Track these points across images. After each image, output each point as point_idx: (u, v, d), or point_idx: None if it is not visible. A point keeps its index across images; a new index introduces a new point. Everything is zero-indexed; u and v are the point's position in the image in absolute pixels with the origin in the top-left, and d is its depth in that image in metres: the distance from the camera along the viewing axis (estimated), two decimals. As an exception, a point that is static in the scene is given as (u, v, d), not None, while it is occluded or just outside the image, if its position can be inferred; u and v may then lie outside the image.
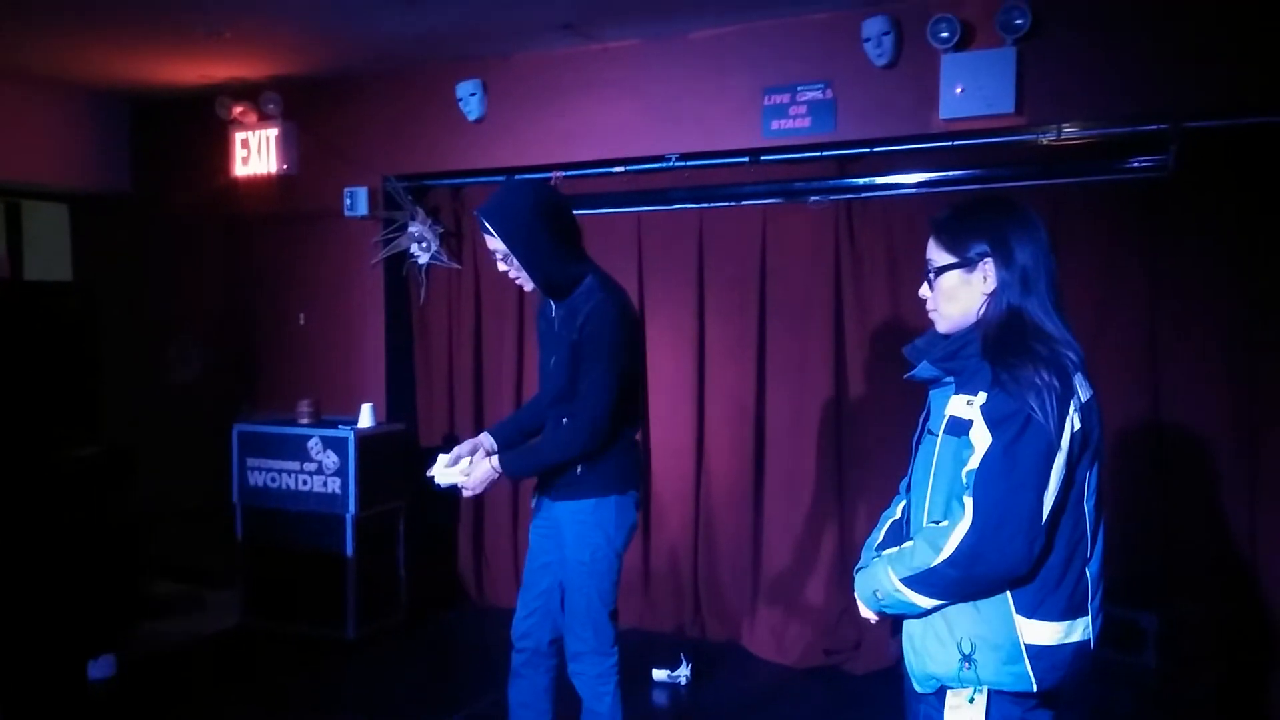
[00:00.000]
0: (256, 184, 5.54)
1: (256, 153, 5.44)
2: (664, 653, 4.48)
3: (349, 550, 4.77)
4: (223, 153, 5.53)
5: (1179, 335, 3.89)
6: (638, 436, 3.05)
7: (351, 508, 4.76)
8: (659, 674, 4.36)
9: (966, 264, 1.92)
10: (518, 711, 3.13)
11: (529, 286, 2.89)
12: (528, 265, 2.82)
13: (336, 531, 4.80)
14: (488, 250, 2.92)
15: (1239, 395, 3.81)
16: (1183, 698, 3.70)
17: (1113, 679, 3.51)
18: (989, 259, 1.90)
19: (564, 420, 2.89)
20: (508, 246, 2.80)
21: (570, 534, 2.92)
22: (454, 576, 5.47)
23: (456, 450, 3.08)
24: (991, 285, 1.90)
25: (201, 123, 5.57)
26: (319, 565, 4.83)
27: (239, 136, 5.48)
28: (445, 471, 2.98)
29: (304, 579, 4.88)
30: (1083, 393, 1.85)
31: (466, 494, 2.99)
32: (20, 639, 4.50)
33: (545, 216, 2.79)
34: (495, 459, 2.95)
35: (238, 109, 5.41)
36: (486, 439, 3.13)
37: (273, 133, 5.40)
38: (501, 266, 2.89)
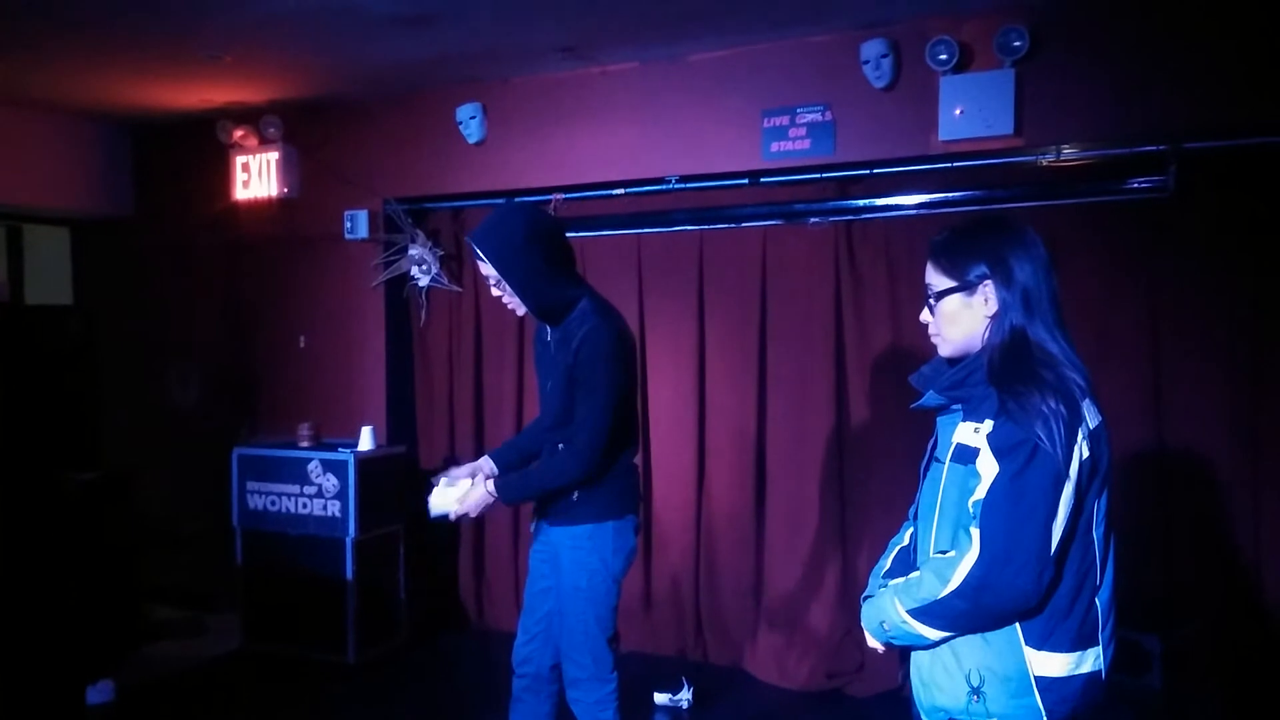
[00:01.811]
0: (257, 207, 5.56)
1: (257, 176, 5.47)
2: (666, 676, 4.45)
3: (349, 573, 4.75)
4: (223, 176, 5.56)
5: (1180, 357, 3.88)
6: (636, 460, 3.03)
7: (352, 531, 4.75)
8: (660, 698, 4.33)
9: (966, 287, 1.90)
10: (519, 737, 3.11)
11: (521, 311, 2.88)
12: (520, 290, 2.81)
13: (337, 555, 4.78)
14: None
15: (1241, 416, 3.80)
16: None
17: (1118, 702, 3.49)
18: (989, 281, 1.88)
19: (559, 447, 2.88)
20: (499, 272, 2.79)
21: (567, 560, 2.90)
22: (455, 600, 5.45)
23: (455, 472, 3.08)
24: (993, 307, 1.88)
25: (202, 146, 5.59)
26: (319, 589, 4.81)
27: (239, 160, 5.50)
28: (437, 500, 2.95)
29: (304, 603, 4.86)
30: (1091, 419, 1.82)
31: (454, 516, 2.95)
32: (19, 663, 4.49)
33: (537, 241, 2.78)
34: (491, 483, 2.92)
35: (238, 133, 5.43)
36: (486, 463, 3.13)
37: (273, 156, 5.42)
38: (495, 292, 2.89)
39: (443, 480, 3.02)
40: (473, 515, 2.96)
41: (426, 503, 2.99)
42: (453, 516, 2.95)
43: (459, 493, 2.95)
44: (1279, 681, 3.71)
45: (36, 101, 5.36)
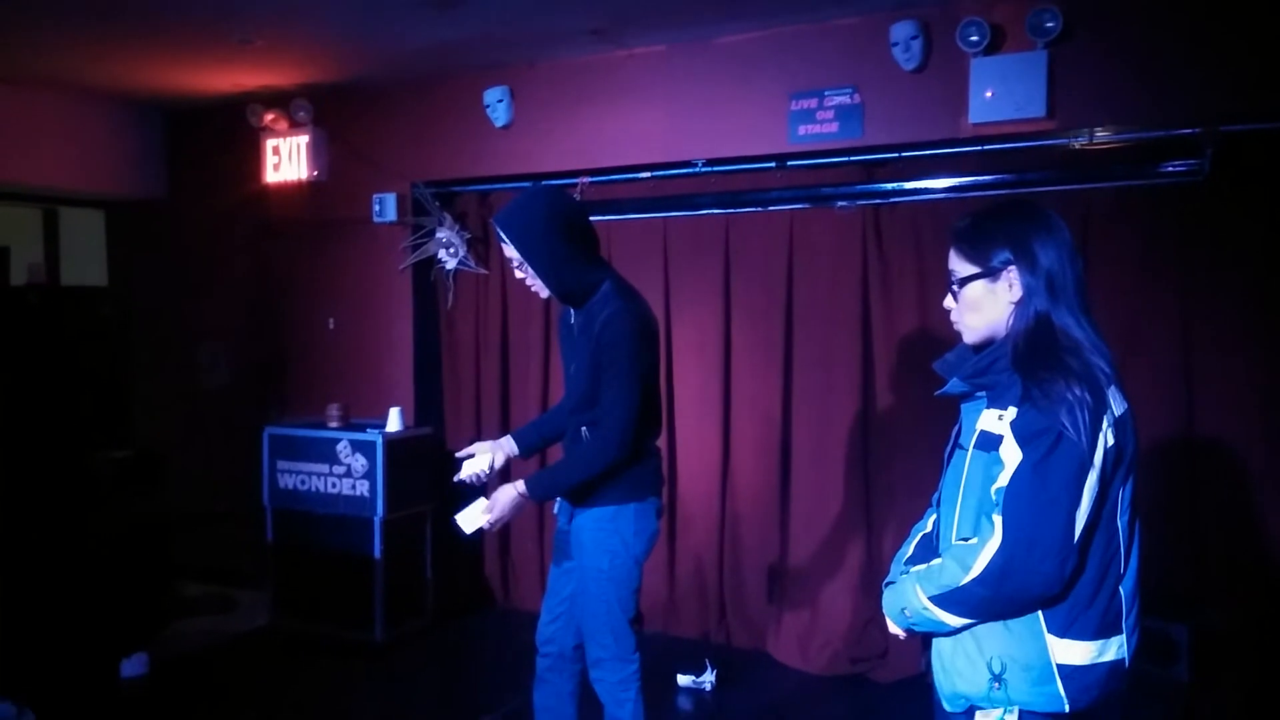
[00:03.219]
0: (287, 190, 5.60)
1: (287, 159, 5.51)
2: (689, 658, 4.48)
3: (377, 553, 4.81)
4: (254, 159, 5.60)
5: (1212, 344, 3.83)
6: (658, 443, 3.04)
7: (380, 510, 4.80)
8: (684, 679, 4.35)
9: (990, 273, 1.89)
10: (542, 716, 3.14)
11: (545, 294, 2.89)
12: (542, 273, 2.82)
13: (365, 534, 4.83)
14: (509, 256, 2.92)
15: (1273, 404, 3.74)
16: (1215, 711, 3.64)
17: (1144, 692, 3.46)
18: (1013, 266, 1.86)
19: (583, 430, 2.89)
20: (522, 254, 2.81)
21: (589, 541, 2.91)
22: (480, 580, 5.50)
23: (476, 446, 3.09)
24: (1017, 293, 1.86)
25: (234, 130, 5.64)
26: (347, 567, 4.87)
27: (270, 143, 5.54)
28: (469, 518, 2.90)
29: (332, 581, 4.92)
30: (1116, 407, 1.80)
31: (489, 527, 2.90)
32: (54, 637, 4.58)
33: (560, 224, 2.79)
34: (520, 483, 2.88)
35: (269, 116, 5.47)
36: (508, 442, 3.14)
37: (303, 140, 5.46)
38: (518, 274, 2.90)
39: (469, 509, 2.93)
40: (507, 518, 2.91)
41: (456, 526, 2.94)
42: (487, 528, 2.91)
43: (484, 504, 2.89)
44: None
45: (71, 85, 5.43)
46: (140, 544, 5.02)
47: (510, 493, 2.88)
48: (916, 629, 1.94)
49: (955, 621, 1.85)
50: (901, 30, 4.01)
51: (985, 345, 1.93)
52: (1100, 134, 3.89)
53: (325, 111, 5.47)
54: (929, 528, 2.11)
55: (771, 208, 4.63)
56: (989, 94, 3.87)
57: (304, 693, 4.41)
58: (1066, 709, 1.81)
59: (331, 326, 5.66)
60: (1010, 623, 1.82)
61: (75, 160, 5.65)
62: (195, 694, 4.40)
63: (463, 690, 4.41)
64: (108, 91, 5.57)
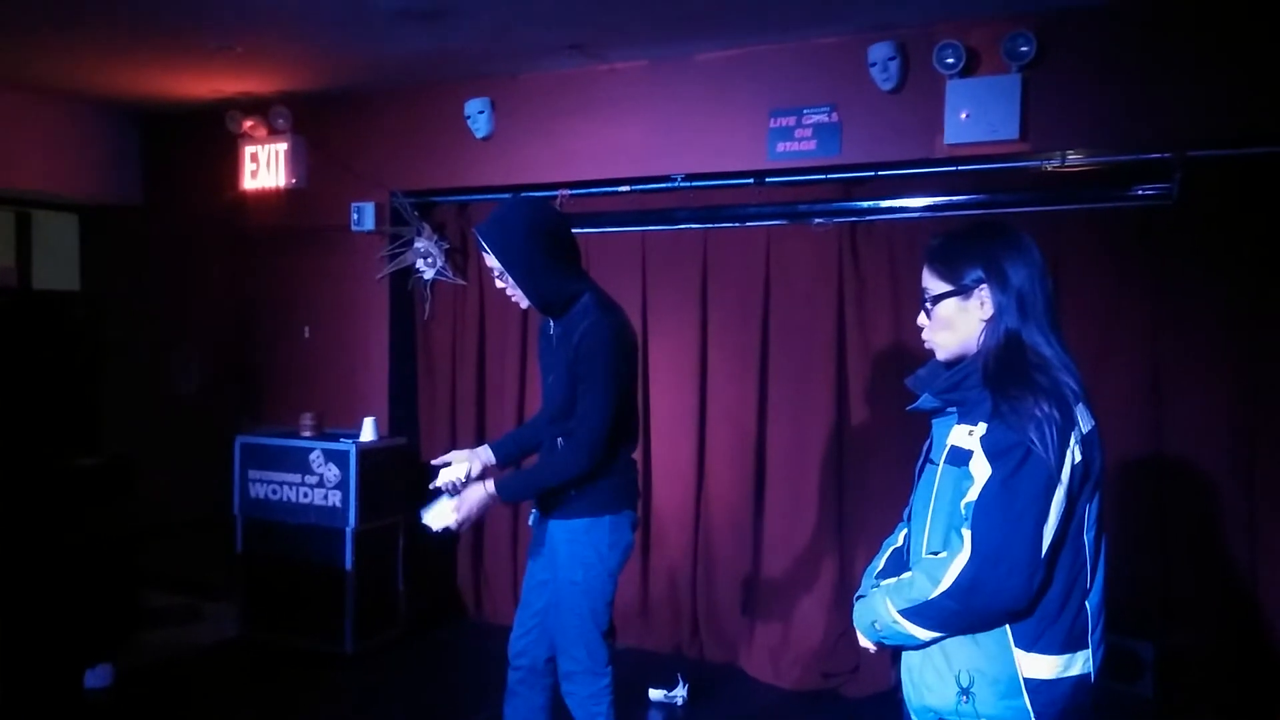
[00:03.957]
0: (265, 197, 5.58)
1: (265, 167, 5.48)
2: (661, 673, 4.47)
3: (348, 564, 4.77)
4: (232, 166, 5.57)
5: (1181, 364, 3.89)
6: (635, 456, 3.05)
7: (352, 521, 4.77)
8: (655, 694, 4.35)
9: (963, 291, 1.92)
10: (513, 730, 3.13)
11: (525, 304, 2.90)
12: (523, 283, 2.84)
13: (336, 545, 4.80)
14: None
15: (1241, 424, 3.80)
16: (1180, 728, 3.68)
17: (1110, 709, 3.49)
18: (984, 284, 1.90)
19: (559, 440, 2.90)
20: (503, 264, 2.82)
21: (563, 553, 2.92)
22: (453, 592, 5.47)
23: (453, 455, 3.09)
24: (989, 311, 1.90)
25: (211, 136, 5.61)
26: (318, 578, 4.83)
27: (248, 150, 5.52)
28: (436, 514, 2.92)
29: (303, 592, 4.88)
30: (1084, 424, 1.84)
31: (456, 526, 2.92)
32: (18, 646, 4.51)
33: (542, 235, 2.81)
34: (490, 483, 2.91)
35: (248, 123, 5.45)
36: (485, 451, 3.15)
37: (282, 147, 5.44)
38: (499, 284, 2.91)
39: (442, 499, 2.96)
40: (474, 517, 2.93)
41: (423, 524, 2.95)
42: (454, 527, 2.92)
43: (453, 503, 2.92)
44: (1272, 692, 3.72)
45: (48, 88, 5.38)
46: (108, 552, 4.95)
47: (479, 492, 2.91)
48: (886, 642, 1.96)
49: (924, 635, 1.87)
50: (879, 51, 4.06)
51: (957, 362, 1.96)
52: (1072, 157, 3.96)
53: (305, 119, 5.45)
54: (899, 542, 2.13)
55: (749, 223, 4.66)
56: (964, 115, 3.92)
57: (272, 704, 4.37)
58: (1033, 722, 1.83)
59: (307, 335, 5.63)
60: (978, 636, 1.84)
61: (49, 164, 5.60)
62: (160, 706, 4.34)
63: (433, 703, 4.38)
64: (83, 95, 5.53)
